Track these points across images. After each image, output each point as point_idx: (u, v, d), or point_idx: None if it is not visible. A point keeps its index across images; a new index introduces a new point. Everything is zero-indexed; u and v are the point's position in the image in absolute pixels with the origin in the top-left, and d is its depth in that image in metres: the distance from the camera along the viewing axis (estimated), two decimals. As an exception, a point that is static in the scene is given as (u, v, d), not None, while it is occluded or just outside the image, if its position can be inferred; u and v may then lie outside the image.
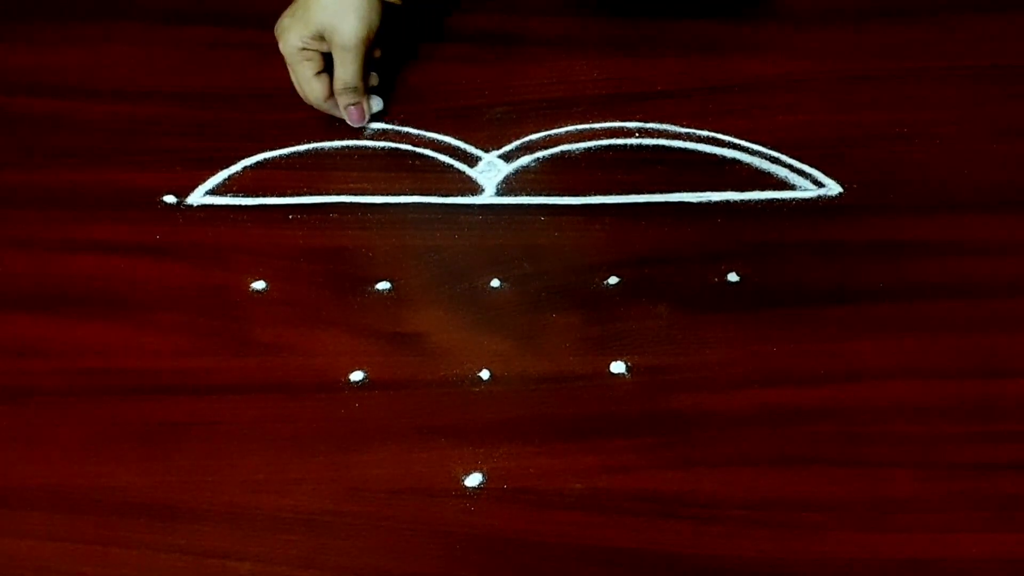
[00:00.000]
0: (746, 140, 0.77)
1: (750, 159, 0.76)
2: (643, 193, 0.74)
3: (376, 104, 0.77)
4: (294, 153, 0.77)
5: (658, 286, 0.69)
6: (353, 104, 0.75)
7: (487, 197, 0.74)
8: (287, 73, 0.81)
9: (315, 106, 0.76)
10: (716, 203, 0.73)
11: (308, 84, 0.74)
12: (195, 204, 0.74)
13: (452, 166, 0.76)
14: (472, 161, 0.76)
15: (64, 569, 0.58)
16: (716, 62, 0.82)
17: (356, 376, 0.65)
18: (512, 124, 0.78)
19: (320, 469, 0.61)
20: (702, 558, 0.58)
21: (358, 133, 0.78)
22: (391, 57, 0.81)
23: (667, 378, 0.65)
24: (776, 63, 0.82)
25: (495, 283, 0.69)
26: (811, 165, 0.75)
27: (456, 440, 0.62)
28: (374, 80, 0.77)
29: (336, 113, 0.76)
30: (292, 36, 0.73)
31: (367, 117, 0.76)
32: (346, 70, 0.73)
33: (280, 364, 0.66)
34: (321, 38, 0.73)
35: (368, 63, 0.75)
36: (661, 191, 0.74)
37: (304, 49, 0.73)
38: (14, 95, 0.79)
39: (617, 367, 0.65)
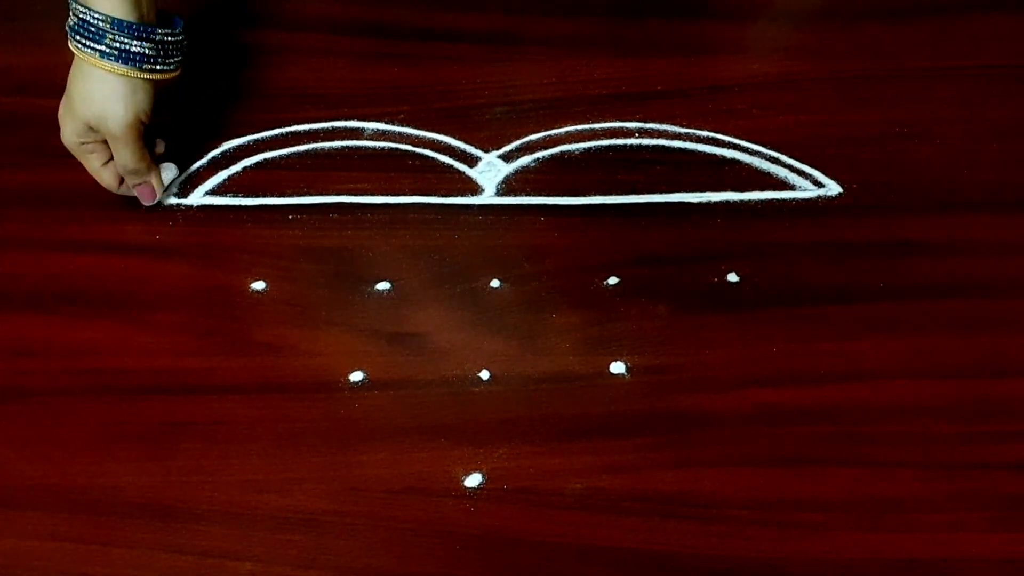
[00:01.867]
0: (746, 140, 0.77)
1: (750, 159, 0.76)
2: (643, 193, 0.74)
3: (168, 174, 0.73)
4: (294, 153, 0.77)
5: (658, 286, 0.69)
6: (140, 184, 0.71)
7: (487, 197, 0.74)
8: (287, 73, 0.81)
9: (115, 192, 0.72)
10: (716, 203, 0.73)
11: (98, 175, 0.71)
12: (195, 204, 0.74)
13: (452, 166, 0.76)
14: (472, 161, 0.76)
15: (64, 569, 0.58)
16: (716, 62, 0.82)
17: (356, 376, 0.65)
18: (512, 124, 0.78)
19: (320, 469, 0.61)
20: (702, 558, 0.58)
21: (358, 133, 0.78)
22: (391, 58, 0.82)
23: (667, 378, 0.65)
24: (776, 63, 0.82)
25: (495, 283, 0.69)
26: (811, 165, 0.75)
27: (456, 440, 0.62)
28: (161, 147, 0.73)
29: (124, 192, 0.72)
30: (67, 132, 0.68)
31: (159, 193, 0.72)
32: (122, 155, 0.69)
33: (280, 364, 0.66)
34: (93, 129, 0.68)
35: (149, 139, 0.71)
36: (661, 191, 0.74)
37: (84, 143, 0.69)
38: (14, 95, 0.79)
39: (617, 367, 0.65)
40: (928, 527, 0.59)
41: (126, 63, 0.66)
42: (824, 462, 0.61)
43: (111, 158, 0.70)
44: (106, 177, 0.71)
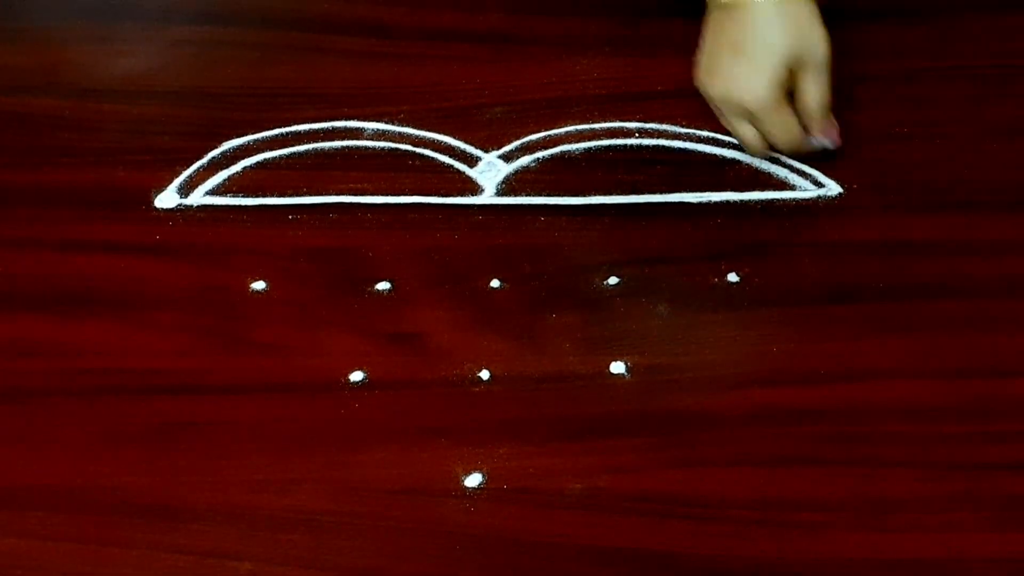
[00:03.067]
0: (746, 140, 0.76)
1: (750, 159, 0.76)
2: (643, 193, 0.74)
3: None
4: (294, 153, 0.77)
5: (658, 286, 0.69)
6: (827, 121, 0.67)
7: (487, 197, 0.74)
8: (287, 73, 0.81)
9: (785, 152, 0.68)
10: (716, 203, 0.73)
11: (793, 130, 0.65)
12: (195, 204, 0.74)
13: (452, 166, 0.76)
14: (472, 161, 0.76)
15: (64, 569, 0.58)
16: (716, 62, 0.82)
17: (356, 376, 0.65)
18: (512, 124, 0.78)
19: (320, 469, 0.61)
20: (702, 558, 0.58)
21: (358, 133, 0.78)
22: (391, 58, 0.82)
23: (667, 378, 0.65)
24: (776, 63, 0.81)
25: (495, 283, 0.69)
26: (811, 165, 0.75)
27: (456, 440, 0.62)
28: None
29: (804, 147, 0.69)
30: (761, 82, 0.62)
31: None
32: (822, 90, 0.64)
33: (280, 364, 0.66)
34: (793, 68, 0.63)
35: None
36: (661, 191, 0.74)
37: (782, 90, 0.63)
38: (14, 95, 0.79)
39: (617, 367, 0.65)
40: (928, 527, 0.59)
41: None
42: (824, 462, 0.61)
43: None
44: (795, 128, 0.65)
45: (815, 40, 0.63)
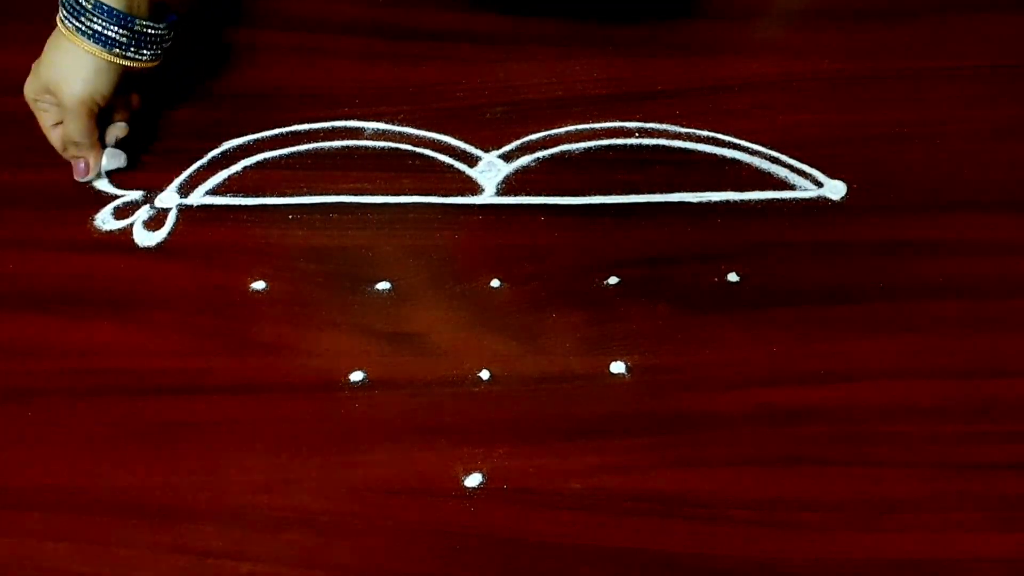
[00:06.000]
0: (746, 140, 0.77)
1: (750, 159, 0.76)
2: (643, 193, 0.74)
3: (113, 161, 0.74)
4: (294, 153, 0.77)
5: (658, 286, 0.69)
6: (76, 158, 0.73)
7: (487, 197, 0.74)
8: (287, 73, 0.81)
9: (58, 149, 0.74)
10: (716, 203, 0.73)
11: (47, 132, 0.73)
12: (195, 204, 0.74)
13: (452, 166, 0.76)
14: (472, 161, 0.76)
15: (64, 569, 0.58)
16: (716, 62, 0.82)
17: (356, 376, 0.65)
18: (512, 124, 0.78)
19: (320, 469, 0.61)
20: (702, 558, 0.58)
21: (358, 133, 0.78)
22: (391, 58, 0.82)
23: (667, 378, 0.65)
24: (776, 63, 0.82)
25: (495, 283, 0.69)
26: (811, 165, 0.75)
27: (456, 440, 0.62)
28: (121, 131, 0.74)
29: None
30: (28, 86, 0.72)
31: (92, 173, 0.73)
32: (68, 126, 0.71)
33: (280, 364, 0.66)
34: (50, 93, 0.71)
35: (103, 121, 0.73)
36: (661, 191, 0.74)
37: (37, 100, 0.72)
38: (14, 95, 0.79)
39: (617, 367, 0.65)
40: (928, 527, 0.59)
41: (96, 43, 0.69)
42: (824, 462, 0.61)
43: (59, 123, 0.72)
44: (53, 137, 0.73)
45: (69, 89, 0.69)
